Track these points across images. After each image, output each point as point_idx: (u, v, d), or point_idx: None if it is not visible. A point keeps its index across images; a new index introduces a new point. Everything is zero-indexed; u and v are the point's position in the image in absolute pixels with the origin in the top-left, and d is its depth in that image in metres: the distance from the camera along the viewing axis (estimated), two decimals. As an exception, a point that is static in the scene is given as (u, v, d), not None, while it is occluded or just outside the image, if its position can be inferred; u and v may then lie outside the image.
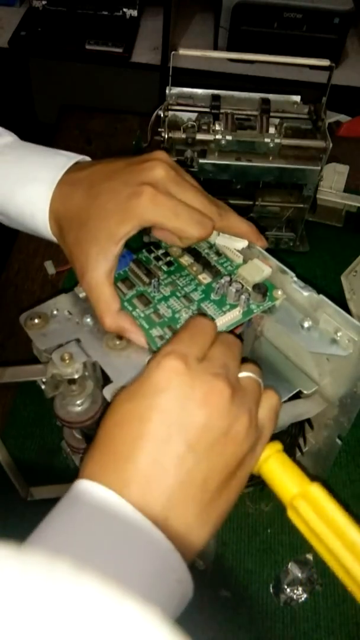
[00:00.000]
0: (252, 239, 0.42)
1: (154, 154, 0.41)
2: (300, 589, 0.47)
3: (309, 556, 0.49)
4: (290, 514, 0.33)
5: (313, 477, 0.34)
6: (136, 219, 0.38)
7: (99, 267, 0.38)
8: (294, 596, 0.47)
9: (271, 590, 0.48)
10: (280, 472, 0.34)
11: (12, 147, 0.45)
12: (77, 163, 0.42)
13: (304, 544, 0.50)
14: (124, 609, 0.16)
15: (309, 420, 0.47)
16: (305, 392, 0.43)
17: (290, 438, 0.46)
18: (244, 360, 0.35)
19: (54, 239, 0.42)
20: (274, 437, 0.44)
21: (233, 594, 0.47)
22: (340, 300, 0.63)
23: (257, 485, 0.51)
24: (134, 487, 0.28)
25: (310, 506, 0.32)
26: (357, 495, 0.53)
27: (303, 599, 0.47)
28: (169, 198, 0.38)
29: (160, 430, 0.29)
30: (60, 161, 0.42)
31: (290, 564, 0.48)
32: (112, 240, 0.38)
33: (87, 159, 0.44)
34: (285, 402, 0.42)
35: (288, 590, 0.47)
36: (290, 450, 0.47)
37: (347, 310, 0.61)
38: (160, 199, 0.38)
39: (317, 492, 0.32)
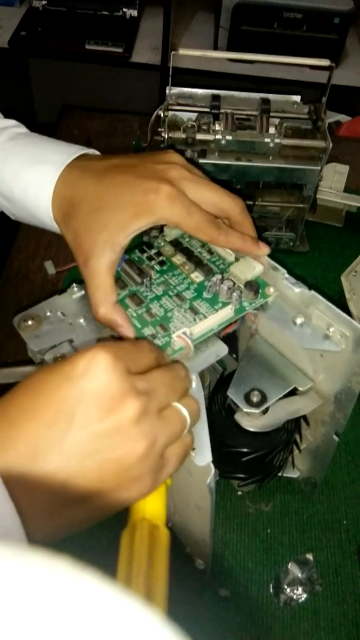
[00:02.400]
0: (253, 250, 0.42)
1: (168, 155, 0.42)
2: (300, 589, 0.47)
3: (309, 556, 0.49)
4: (127, 531, 0.31)
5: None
6: (152, 215, 0.38)
7: (104, 256, 0.38)
8: (294, 596, 0.47)
9: (271, 590, 0.48)
10: (155, 496, 0.32)
11: (26, 135, 0.46)
12: (87, 155, 0.43)
13: (304, 544, 0.50)
14: (126, 607, 0.16)
15: (304, 417, 0.47)
16: (300, 388, 0.43)
17: (286, 434, 0.46)
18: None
19: (53, 224, 0.42)
20: (271, 434, 0.45)
21: (233, 594, 0.47)
22: (340, 301, 0.63)
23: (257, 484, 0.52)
24: (1, 452, 0.28)
25: (146, 538, 0.31)
26: (357, 495, 0.53)
27: (303, 599, 0.47)
28: (184, 198, 0.39)
29: (51, 412, 0.29)
30: (71, 149, 0.43)
31: (290, 564, 0.48)
32: (124, 232, 0.38)
33: (97, 153, 0.44)
34: (280, 399, 0.42)
35: (288, 590, 0.47)
36: (288, 447, 0.47)
37: (347, 310, 0.61)
38: (177, 198, 0.38)
39: (165, 536, 0.31)
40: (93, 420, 0.29)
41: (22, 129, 0.47)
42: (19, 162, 0.43)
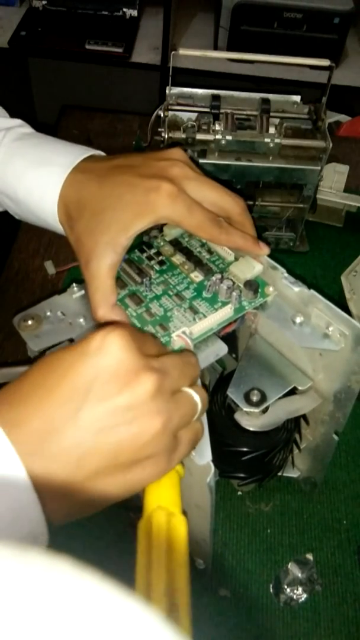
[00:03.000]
0: (254, 250, 0.42)
1: (171, 152, 0.41)
2: (300, 589, 0.47)
3: (309, 556, 0.49)
4: (143, 522, 0.31)
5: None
6: (153, 214, 0.38)
7: (105, 257, 0.38)
8: (294, 596, 0.47)
9: (271, 590, 0.48)
10: (169, 483, 0.32)
11: (32, 135, 0.45)
12: (92, 156, 0.43)
13: (304, 544, 0.50)
14: (127, 607, 0.16)
15: (304, 416, 0.47)
16: (300, 388, 0.43)
17: (286, 434, 0.46)
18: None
19: (58, 225, 0.42)
20: (271, 433, 0.45)
21: (233, 594, 0.47)
22: (340, 301, 0.63)
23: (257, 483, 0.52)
24: (18, 429, 0.28)
25: (164, 525, 0.31)
26: (357, 495, 0.53)
27: (303, 599, 0.47)
28: (186, 196, 0.39)
29: (66, 389, 0.29)
30: (78, 151, 0.43)
31: (290, 564, 0.48)
32: (125, 232, 0.38)
33: (103, 154, 0.44)
34: (280, 398, 0.42)
35: (288, 590, 0.47)
36: (288, 446, 0.48)
37: (347, 310, 0.61)
38: (178, 197, 0.38)
39: (182, 522, 0.31)
40: (109, 395, 0.29)
41: (28, 129, 0.46)
42: (24, 163, 0.42)
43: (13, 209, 0.45)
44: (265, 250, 0.42)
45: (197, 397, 0.33)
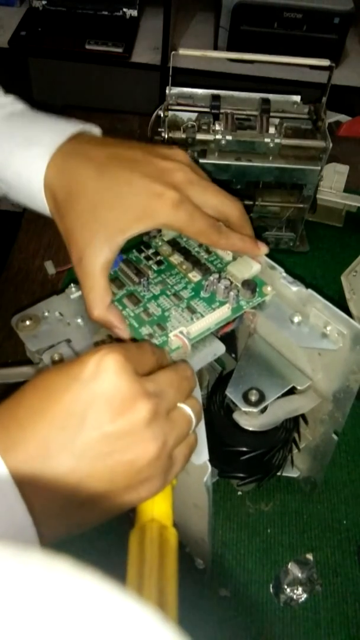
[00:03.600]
0: (253, 251, 0.42)
1: (174, 152, 0.40)
2: (300, 589, 0.47)
3: (309, 556, 0.49)
4: (135, 532, 0.31)
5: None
6: (155, 220, 0.38)
7: (100, 256, 0.37)
8: (294, 596, 0.47)
9: (271, 590, 0.48)
10: (159, 497, 0.32)
11: (21, 114, 0.43)
12: (84, 133, 0.41)
13: (304, 544, 0.50)
14: (126, 607, 0.16)
15: (303, 416, 0.47)
16: (299, 387, 0.43)
17: (285, 433, 0.46)
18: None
19: (46, 210, 0.40)
20: (270, 433, 0.45)
21: (233, 594, 0.47)
22: (340, 301, 0.63)
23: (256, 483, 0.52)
24: (13, 454, 0.27)
25: (157, 538, 0.31)
26: (357, 495, 0.53)
27: (303, 599, 0.47)
28: (188, 203, 0.38)
29: (61, 414, 0.28)
30: (64, 127, 0.41)
31: (290, 564, 0.48)
32: (123, 233, 0.37)
33: (96, 128, 0.42)
34: (279, 398, 0.42)
35: (288, 590, 0.47)
36: (287, 446, 0.48)
37: (347, 310, 0.61)
38: (181, 205, 0.38)
39: (173, 535, 0.31)
40: (105, 422, 0.29)
41: (19, 106, 0.44)
42: (10, 145, 0.41)
43: (10, 195, 0.43)
44: (264, 249, 0.42)
45: (190, 412, 0.33)
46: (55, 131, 0.40)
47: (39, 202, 0.40)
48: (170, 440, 0.31)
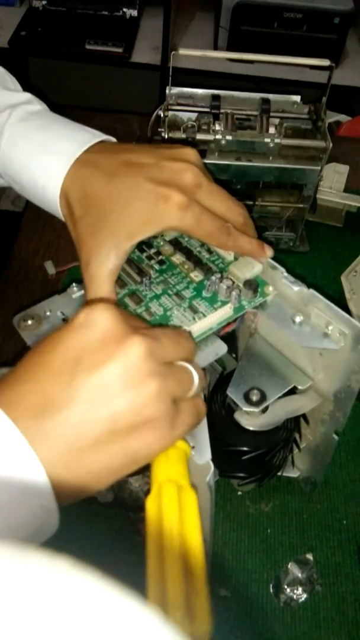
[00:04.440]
0: (259, 255, 0.42)
1: (184, 152, 0.40)
2: (300, 589, 0.47)
3: (309, 556, 0.49)
4: (152, 495, 0.31)
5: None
6: (161, 224, 0.38)
7: (107, 262, 0.38)
8: (294, 596, 0.47)
9: (271, 590, 0.48)
10: (178, 456, 0.32)
11: (38, 114, 0.44)
12: (101, 142, 0.41)
13: (304, 544, 0.50)
14: (126, 607, 0.16)
15: (304, 416, 0.47)
16: (300, 387, 0.43)
17: (286, 433, 0.46)
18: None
19: (60, 215, 0.41)
20: (271, 433, 0.45)
21: (233, 594, 0.47)
22: (341, 301, 0.63)
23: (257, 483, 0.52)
24: (15, 406, 0.28)
25: (176, 495, 0.30)
26: (357, 495, 0.53)
27: (303, 599, 0.47)
28: (195, 206, 0.38)
29: (57, 362, 0.29)
30: (83, 137, 0.41)
31: (290, 564, 0.48)
32: (131, 239, 0.38)
33: (112, 139, 0.42)
34: (280, 397, 0.42)
35: (288, 590, 0.47)
36: (288, 446, 0.48)
37: (348, 310, 0.61)
38: (188, 208, 0.38)
39: (193, 495, 0.31)
40: (99, 363, 0.29)
41: (35, 106, 0.44)
42: (27, 149, 0.41)
43: (19, 191, 0.44)
44: (269, 252, 0.42)
45: (192, 369, 0.33)
46: (73, 140, 0.41)
47: (53, 207, 0.41)
48: (169, 381, 0.31)
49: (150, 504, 0.30)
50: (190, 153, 0.40)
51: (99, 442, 0.29)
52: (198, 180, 0.39)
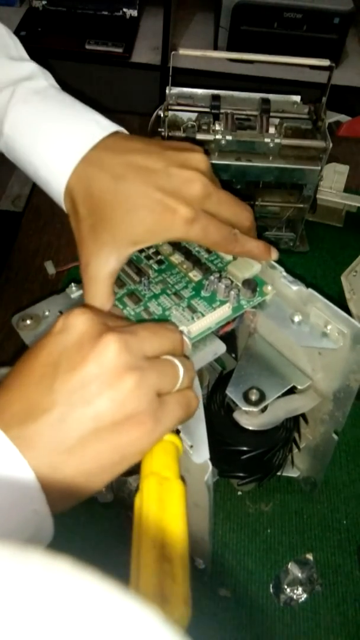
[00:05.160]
0: (265, 258, 0.42)
1: (195, 159, 0.39)
2: (300, 589, 0.47)
3: (309, 556, 0.49)
4: (138, 493, 0.31)
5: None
6: (167, 234, 0.38)
7: (107, 264, 0.38)
8: (294, 596, 0.47)
9: (271, 590, 0.48)
10: (162, 449, 0.32)
11: (43, 94, 0.41)
12: (110, 136, 0.39)
13: (304, 544, 0.50)
14: (126, 607, 0.16)
15: (303, 415, 0.47)
16: (299, 387, 0.43)
17: (285, 432, 0.46)
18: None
19: (64, 208, 0.40)
20: (270, 432, 0.45)
21: (233, 594, 0.47)
22: (340, 301, 0.63)
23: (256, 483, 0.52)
24: (1, 416, 0.29)
25: (156, 487, 0.30)
26: (357, 495, 0.53)
27: (303, 599, 0.47)
28: (202, 217, 0.37)
29: (38, 369, 0.30)
30: (91, 130, 0.39)
31: (290, 564, 0.48)
32: (133, 245, 0.38)
33: (123, 131, 0.41)
34: (279, 397, 0.42)
35: (288, 590, 0.47)
36: (287, 445, 0.48)
37: (347, 310, 0.61)
38: (195, 221, 0.37)
39: (178, 486, 0.31)
40: (76, 364, 0.29)
41: (40, 82, 0.42)
42: (32, 139, 0.40)
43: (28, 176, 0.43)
44: (275, 255, 0.41)
45: (176, 361, 0.33)
46: (82, 135, 0.39)
47: (57, 200, 0.40)
48: (149, 374, 0.31)
49: (137, 500, 0.30)
50: (200, 159, 0.39)
51: (84, 442, 0.29)
52: (207, 191, 0.38)
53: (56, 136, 0.39)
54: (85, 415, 0.29)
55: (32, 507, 0.28)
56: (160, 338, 0.33)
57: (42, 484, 0.28)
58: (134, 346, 0.31)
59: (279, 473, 0.50)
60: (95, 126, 0.40)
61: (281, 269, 0.41)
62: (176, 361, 0.33)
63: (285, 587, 0.47)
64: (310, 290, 0.39)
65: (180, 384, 0.33)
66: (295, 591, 0.47)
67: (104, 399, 0.29)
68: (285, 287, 0.41)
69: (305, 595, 0.47)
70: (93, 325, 0.31)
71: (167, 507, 0.29)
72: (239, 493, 0.53)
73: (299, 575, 0.48)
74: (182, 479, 0.32)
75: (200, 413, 0.36)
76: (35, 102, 0.41)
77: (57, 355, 0.30)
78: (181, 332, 0.36)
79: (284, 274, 0.41)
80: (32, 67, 0.43)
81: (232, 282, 0.41)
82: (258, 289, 0.41)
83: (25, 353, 0.32)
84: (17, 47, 0.46)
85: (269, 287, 0.41)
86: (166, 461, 0.32)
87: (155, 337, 0.33)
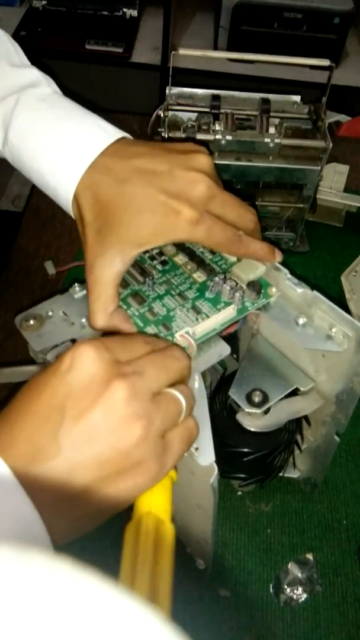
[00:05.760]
0: (270, 260, 0.42)
1: (197, 160, 0.39)
2: (300, 589, 0.47)
3: (309, 556, 0.49)
4: (131, 525, 0.31)
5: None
6: (171, 236, 0.38)
7: (112, 267, 0.38)
8: (294, 596, 0.47)
9: (271, 590, 0.48)
10: (162, 487, 0.32)
11: (48, 102, 0.41)
12: (116, 142, 0.40)
13: (304, 544, 0.50)
14: (127, 607, 0.16)
15: (306, 417, 0.47)
16: (302, 389, 0.43)
17: (288, 435, 0.46)
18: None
19: (71, 214, 0.41)
20: (273, 434, 0.45)
21: (233, 594, 0.47)
22: (341, 301, 0.63)
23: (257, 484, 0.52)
24: (7, 452, 0.28)
25: (152, 532, 0.30)
26: (357, 495, 0.53)
27: (303, 599, 0.47)
28: (206, 219, 0.38)
29: (44, 409, 0.29)
30: (97, 138, 0.39)
31: (290, 564, 0.48)
32: (138, 247, 0.38)
33: (128, 136, 0.41)
34: (282, 399, 0.42)
35: (288, 590, 0.47)
36: (289, 447, 0.48)
37: (347, 310, 0.61)
38: (199, 222, 0.37)
39: (170, 530, 0.31)
40: (83, 408, 0.29)
41: (43, 89, 0.42)
42: (38, 146, 0.40)
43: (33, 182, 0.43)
44: (279, 257, 0.41)
45: (178, 395, 0.32)
46: (88, 143, 0.39)
47: (64, 206, 0.40)
48: (156, 420, 0.30)
49: (129, 533, 0.30)
50: (204, 161, 0.39)
51: (90, 487, 0.29)
52: (211, 192, 0.38)
53: (63, 144, 0.39)
54: (90, 463, 0.29)
55: (35, 546, 0.28)
56: (168, 372, 0.33)
57: (45, 523, 0.27)
58: (142, 389, 0.30)
59: (280, 474, 0.50)
60: (101, 133, 0.40)
61: (286, 271, 0.41)
62: (178, 395, 0.32)
63: (285, 587, 0.47)
64: (315, 292, 0.39)
65: (183, 416, 0.33)
66: (295, 591, 0.47)
67: (109, 447, 0.29)
68: (289, 289, 0.41)
69: (305, 595, 0.47)
70: (102, 367, 0.30)
71: (160, 556, 0.29)
72: (239, 493, 0.53)
73: (299, 575, 0.48)
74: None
75: (206, 416, 0.36)
76: (40, 109, 0.41)
77: (63, 397, 0.29)
78: (189, 357, 0.35)
79: (289, 276, 0.41)
80: (35, 73, 0.43)
81: (236, 283, 0.41)
82: (263, 291, 0.41)
83: (28, 385, 0.31)
84: (18, 54, 0.46)
85: (274, 289, 0.41)
86: (164, 503, 0.32)
87: (162, 372, 0.32)
